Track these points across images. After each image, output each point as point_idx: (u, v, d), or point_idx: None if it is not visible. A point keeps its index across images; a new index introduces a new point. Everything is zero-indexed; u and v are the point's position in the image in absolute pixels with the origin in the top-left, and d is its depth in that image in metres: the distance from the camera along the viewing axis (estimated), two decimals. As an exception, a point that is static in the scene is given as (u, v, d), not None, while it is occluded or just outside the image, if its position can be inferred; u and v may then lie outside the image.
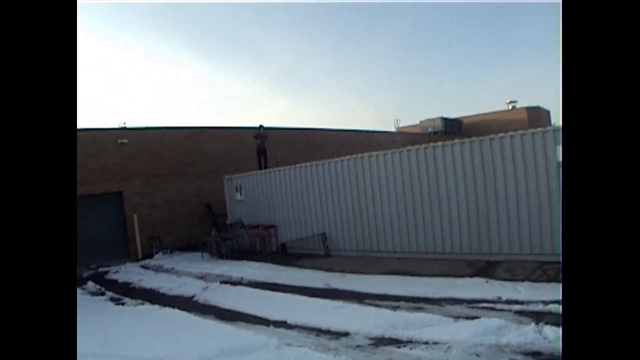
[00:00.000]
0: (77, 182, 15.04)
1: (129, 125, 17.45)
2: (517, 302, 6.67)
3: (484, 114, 38.40)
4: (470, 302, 6.95)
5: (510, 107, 37.97)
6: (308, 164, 13.62)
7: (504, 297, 6.95)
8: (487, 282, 8.07)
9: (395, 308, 7.14)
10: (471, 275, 8.60)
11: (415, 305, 7.21)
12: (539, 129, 9.00)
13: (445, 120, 36.10)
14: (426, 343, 5.55)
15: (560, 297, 2.81)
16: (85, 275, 13.66)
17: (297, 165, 13.99)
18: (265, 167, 16.60)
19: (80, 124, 22.05)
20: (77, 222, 14.45)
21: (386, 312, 6.92)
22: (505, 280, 8.00)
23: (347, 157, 12.51)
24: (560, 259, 2.97)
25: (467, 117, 38.80)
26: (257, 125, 17.83)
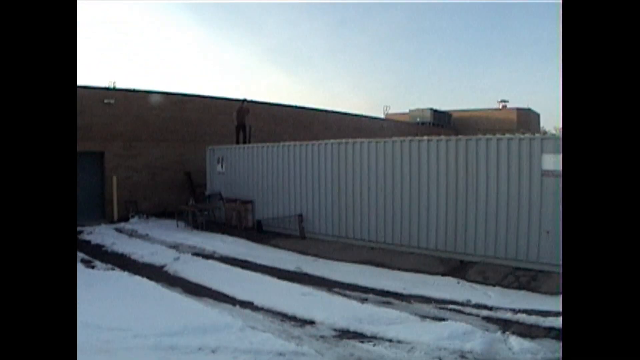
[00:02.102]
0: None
1: (118, 85, 16.98)
2: (485, 307, 6.66)
3: (474, 110, 38.38)
4: (439, 302, 6.93)
5: (500, 107, 38.02)
6: (291, 143, 13.51)
7: (473, 301, 6.93)
8: (458, 282, 8.05)
9: (363, 300, 7.09)
10: (443, 274, 8.58)
11: (384, 299, 7.17)
12: (527, 135, 8.93)
13: (435, 112, 35.97)
14: (390, 341, 5.50)
15: (561, 303, 2.77)
16: (59, 233, 13.36)
17: (281, 143, 13.86)
18: (245, 143, 16.37)
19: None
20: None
21: (354, 304, 6.87)
22: (477, 282, 7.99)
23: (332, 141, 12.37)
24: (561, 263, 2.93)
25: (456, 111, 38.79)
26: (242, 98, 17.56)
